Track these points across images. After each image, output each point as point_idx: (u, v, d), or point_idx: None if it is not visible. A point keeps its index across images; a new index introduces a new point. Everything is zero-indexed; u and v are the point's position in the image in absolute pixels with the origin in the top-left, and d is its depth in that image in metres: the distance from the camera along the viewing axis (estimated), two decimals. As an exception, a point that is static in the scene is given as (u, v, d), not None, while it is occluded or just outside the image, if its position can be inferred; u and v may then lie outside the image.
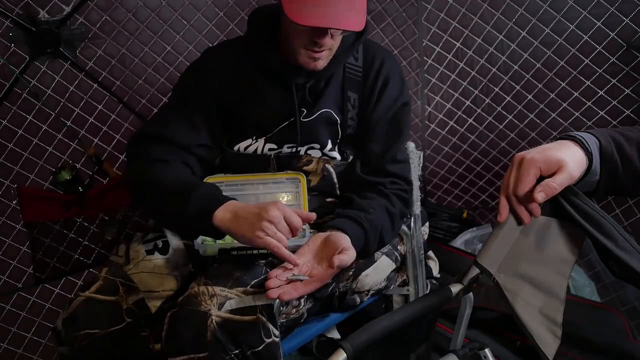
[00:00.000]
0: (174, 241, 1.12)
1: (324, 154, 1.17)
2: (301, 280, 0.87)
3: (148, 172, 1.04)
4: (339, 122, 1.15)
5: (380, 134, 1.15)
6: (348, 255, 0.89)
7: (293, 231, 0.91)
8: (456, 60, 1.98)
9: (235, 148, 1.16)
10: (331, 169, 1.18)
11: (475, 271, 0.86)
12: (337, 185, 1.19)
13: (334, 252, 0.90)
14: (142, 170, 1.05)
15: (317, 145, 1.16)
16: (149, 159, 1.06)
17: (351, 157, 1.19)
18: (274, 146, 1.16)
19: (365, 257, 1.11)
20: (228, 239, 1.07)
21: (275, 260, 1.06)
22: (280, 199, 1.18)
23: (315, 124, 1.14)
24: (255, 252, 1.05)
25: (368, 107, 1.15)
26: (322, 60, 1.06)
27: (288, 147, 1.16)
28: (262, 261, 1.06)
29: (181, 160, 1.09)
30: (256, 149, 1.16)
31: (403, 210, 1.14)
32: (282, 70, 1.09)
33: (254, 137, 1.16)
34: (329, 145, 1.17)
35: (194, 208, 0.94)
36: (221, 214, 0.92)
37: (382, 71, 1.15)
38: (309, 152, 1.17)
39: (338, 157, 1.18)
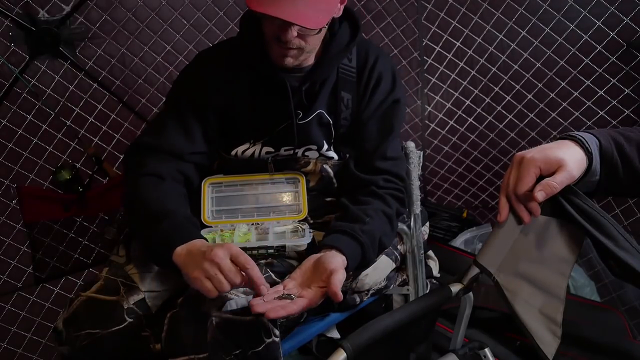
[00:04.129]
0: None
1: (321, 155, 1.17)
2: (292, 299, 0.84)
3: (138, 189, 1.02)
4: (331, 122, 1.15)
5: (371, 131, 1.15)
6: (337, 277, 0.85)
7: (241, 268, 0.83)
8: (456, 60, 1.98)
9: (233, 153, 1.16)
10: (329, 169, 1.18)
11: (475, 271, 0.86)
12: (336, 185, 1.19)
13: (323, 273, 0.87)
14: (135, 185, 1.03)
15: (314, 147, 1.16)
16: (143, 172, 1.04)
17: (348, 156, 1.19)
18: (271, 149, 1.16)
19: (365, 268, 1.10)
20: (227, 238, 1.07)
21: (275, 260, 1.06)
22: (280, 199, 1.18)
23: (310, 126, 1.13)
24: (255, 252, 1.05)
25: (361, 105, 1.15)
26: (291, 58, 1.04)
27: (285, 150, 1.16)
28: (262, 261, 1.06)
29: (177, 170, 1.08)
30: (253, 152, 1.16)
31: (399, 209, 1.13)
32: (271, 73, 1.09)
33: (251, 141, 1.15)
34: (325, 146, 1.16)
35: (160, 237, 0.91)
36: (179, 250, 0.88)
37: (375, 69, 1.14)
38: (306, 153, 1.16)
39: (335, 156, 1.18)
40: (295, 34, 0.98)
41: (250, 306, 0.80)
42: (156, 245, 0.91)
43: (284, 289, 0.87)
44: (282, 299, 0.83)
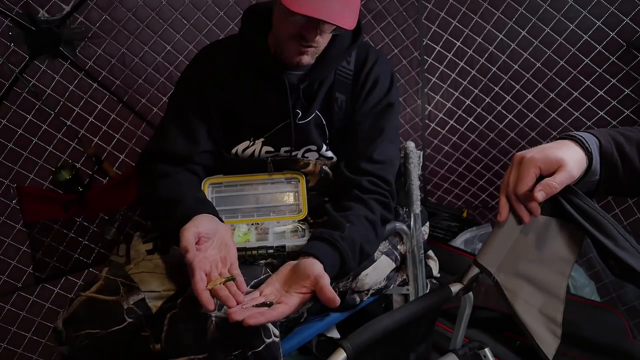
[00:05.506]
0: (175, 241, 1.12)
1: (320, 155, 1.17)
2: (268, 306, 0.82)
3: (152, 189, 1.07)
4: (325, 123, 1.15)
5: (361, 132, 1.14)
6: (324, 281, 0.84)
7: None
8: (456, 60, 1.98)
9: (233, 151, 1.16)
10: (328, 170, 1.18)
11: (475, 270, 0.87)
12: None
13: (305, 279, 0.86)
14: (148, 188, 1.09)
15: (313, 147, 1.16)
16: (154, 175, 1.09)
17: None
18: (270, 149, 1.16)
19: (345, 276, 1.08)
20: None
21: (275, 260, 1.06)
22: (280, 199, 1.18)
23: (309, 126, 1.14)
24: (254, 252, 1.05)
25: (355, 107, 1.15)
26: (308, 56, 1.05)
27: (285, 151, 1.16)
28: (262, 261, 1.06)
29: (185, 170, 1.12)
30: (253, 152, 1.16)
31: (384, 215, 1.10)
32: (273, 68, 1.09)
33: (250, 139, 1.15)
34: (324, 147, 1.17)
35: (175, 223, 0.94)
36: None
37: (372, 72, 1.14)
38: (306, 155, 1.17)
39: (334, 157, 1.18)
40: (320, 33, 0.99)
41: (228, 314, 0.79)
42: (174, 229, 0.94)
43: (260, 294, 0.85)
44: (261, 307, 0.81)
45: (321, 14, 0.93)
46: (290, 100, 1.10)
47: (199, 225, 0.91)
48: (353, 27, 0.99)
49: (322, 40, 1.04)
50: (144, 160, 1.14)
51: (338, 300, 0.82)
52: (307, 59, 1.05)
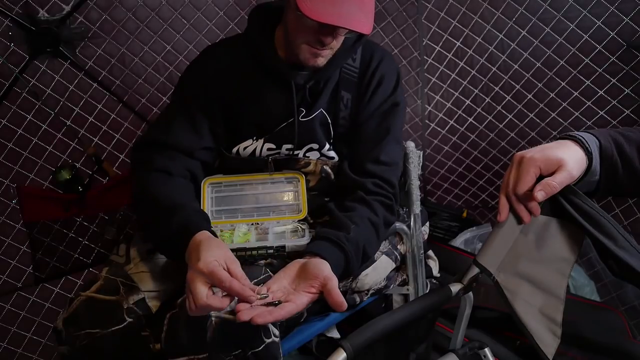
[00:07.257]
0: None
1: (322, 154, 1.17)
2: (275, 305, 0.81)
3: (148, 185, 1.02)
4: (330, 121, 1.15)
5: (367, 132, 1.14)
6: (333, 284, 0.84)
7: (219, 287, 0.80)
8: (456, 60, 1.98)
9: (234, 150, 1.16)
10: (329, 170, 1.18)
11: (475, 270, 0.86)
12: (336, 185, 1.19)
13: (314, 279, 0.85)
14: (144, 181, 1.04)
15: (315, 146, 1.16)
16: (152, 168, 1.05)
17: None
18: (272, 146, 1.16)
19: (347, 277, 1.09)
20: (227, 239, 1.07)
21: (275, 261, 1.06)
22: (280, 198, 1.18)
23: (312, 124, 1.14)
24: (254, 252, 1.05)
25: (360, 105, 1.15)
26: (323, 58, 1.06)
27: (287, 149, 1.16)
28: (262, 261, 1.06)
29: (185, 167, 1.08)
30: (255, 149, 1.16)
31: (387, 217, 1.10)
32: (280, 68, 1.09)
33: (254, 138, 1.16)
34: (327, 145, 1.16)
35: (173, 230, 0.91)
36: (191, 243, 0.88)
37: (377, 71, 1.14)
38: (307, 154, 1.16)
39: (336, 157, 1.18)
40: (335, 36, 1.01)
41: (237, 315, 0.77)
42: (168, 238, 0.92)
43: (268, 290, 0.85)
44: (269, 305, 0.81)
45: (342, 21, 0.95)
46: (295, 100, 1.10)
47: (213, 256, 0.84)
48: (370, 30, 0.99)
49: (338, 42, 1.05)
50: (140, 149, 1.10)
51: (345, 304, 0.81)
52: (323, 61, 1.07)
